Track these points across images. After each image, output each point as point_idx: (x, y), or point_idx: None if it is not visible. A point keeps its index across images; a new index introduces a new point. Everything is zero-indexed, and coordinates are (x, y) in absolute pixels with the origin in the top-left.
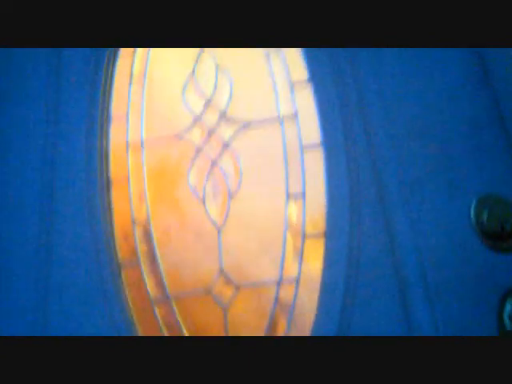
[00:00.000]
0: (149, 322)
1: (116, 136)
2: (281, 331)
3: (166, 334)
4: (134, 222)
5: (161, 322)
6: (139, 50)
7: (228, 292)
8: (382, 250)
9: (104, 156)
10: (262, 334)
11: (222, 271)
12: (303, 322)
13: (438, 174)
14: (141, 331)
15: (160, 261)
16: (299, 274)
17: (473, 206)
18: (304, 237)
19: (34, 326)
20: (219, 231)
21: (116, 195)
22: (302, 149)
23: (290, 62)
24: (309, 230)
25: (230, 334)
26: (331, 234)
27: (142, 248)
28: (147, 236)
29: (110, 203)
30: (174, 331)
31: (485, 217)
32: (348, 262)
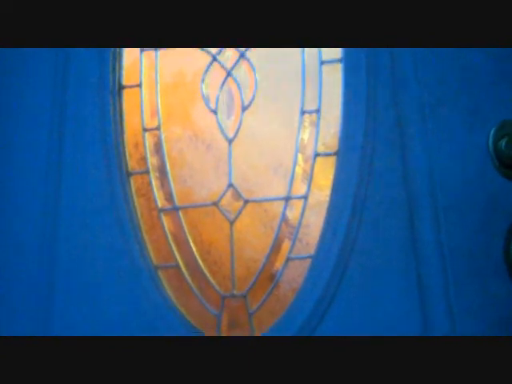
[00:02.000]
0: (156, 231)
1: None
2: (285, 249)
3: (173, 245)
4: (144, 129)
5: (168, 231)
6: None
7: (235, 206)
8: (394, 172)
9: (117, 61)
10: (266, 250)
11: (230, 185)
12: (308, 241)
13: (458, 99)
14: (147, 240)
15: (169, 171)
16: (308, 192)
17: (491, 133)
18: (315, 155)
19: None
20: (230, 144)
21: (128, 102)
22: (321, 64)
23: None
24: (321, 148)
25: (235, 247)
26: (343, 153)
27: (151, 157)
28: (158, 145)
29: (121, 110)
30: (180, 241)
31: (503, 144)
32: (358, 182)
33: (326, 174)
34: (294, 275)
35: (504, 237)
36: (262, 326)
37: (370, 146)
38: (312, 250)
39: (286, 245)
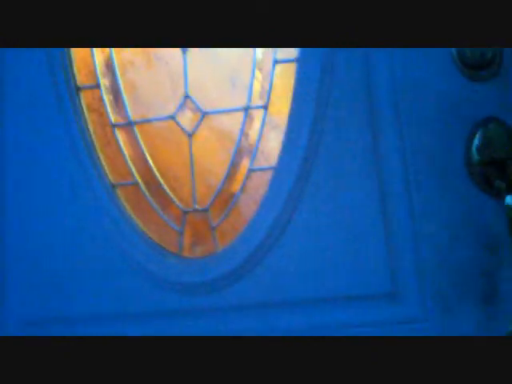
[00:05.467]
0: (111, 148)
1: None
2: (246, 161)
3: (128, 160)
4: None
5: (123, 148)
6: None
7: (193, 118)
8: (356, 74)
9: None
10: (227, 162)
11: (187, 96)
12: (269, 153)
13: None
14: (102, 158)
15: (121, 83)
16: (267, 101)
17: None
18: (275, 61)
19: None
20: (184, 53)
21: None
22: None
23: None
24: (280, 55)
25: (195, 161)
26: (303, 59)
27: (101, 70)
28: (107, 58)
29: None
30: (138, 158)
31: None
32: (319, 87)
33: (285, 84)
34: (256, 187)
35: (465, 138)
36: (225, 240)
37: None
38: (273, 162)
39: (246, 157)
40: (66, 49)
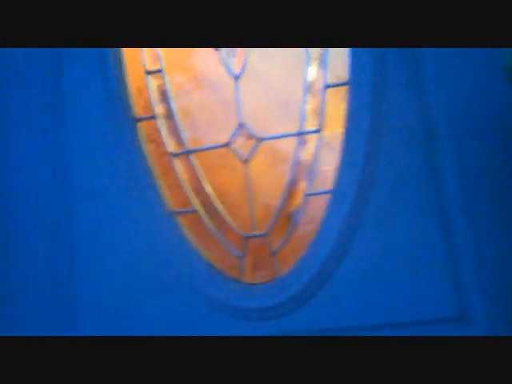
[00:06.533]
0: (169, 176)
1: None
2: (302, 185)
3: (187, 188)
4: (147, 72)
5: (181, 176)
6: None
7: (248, 145)
8: (408, 98)
9: None
10: (283, 187)
11: (241, 124)
12: (325, 176)
13: None
14: (162, 184)
15: (176, 114)
16: (321, 126)
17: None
18: (325, 86)
19: None
20: (236, 80)
21: (128, 50)
22: None
23: None
24: (331, 79)
25: (252, 187)
26: (354, 82)
27: (156, 101)
28: (162, 88)
29: (121, 54)
30: (196, 186)
31: None
32: (371, 111)
33: (337, 107)
34: (314, 211)
35: None
36: (285, 264)
37: (381, 74)
38: (329, 185)
39: (302, 181)
40: (122, 80)
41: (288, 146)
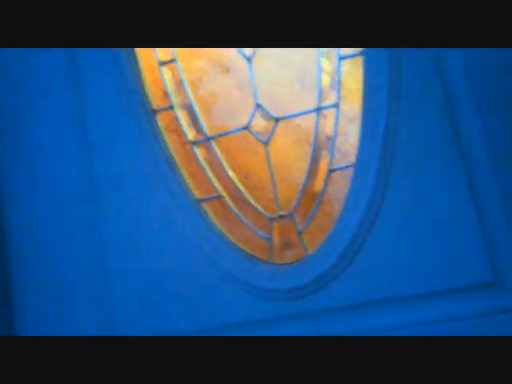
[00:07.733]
0: (192, 164)
1: None
2: (324, 161)
3: (210, 174)
4: (161, 63)
5: (203, 163)
6: None
7: (267, 126)
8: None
9: None
10: (305, 165)
11: (258, 105)
12: (346, 150)
13: None
14: (185, 173)
15: (194, 102)
16: (338, 99)
17: None
18: (340, 58)
19: None
20: (249, 61)
21: None
22: None
23: None
24: (344, 51)
25: (274, 168)
26: (370, 52)
27: (173, 91)
28: (177, 78)
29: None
30: (218, 171)
31: None
32: (389, 79)
33: (354, 78)
34: (338, 186)
35: None
36: (314, 242)
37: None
38: (352, 159)
39: (324, 157)
40: (137, 73)
41: (308, 122)
